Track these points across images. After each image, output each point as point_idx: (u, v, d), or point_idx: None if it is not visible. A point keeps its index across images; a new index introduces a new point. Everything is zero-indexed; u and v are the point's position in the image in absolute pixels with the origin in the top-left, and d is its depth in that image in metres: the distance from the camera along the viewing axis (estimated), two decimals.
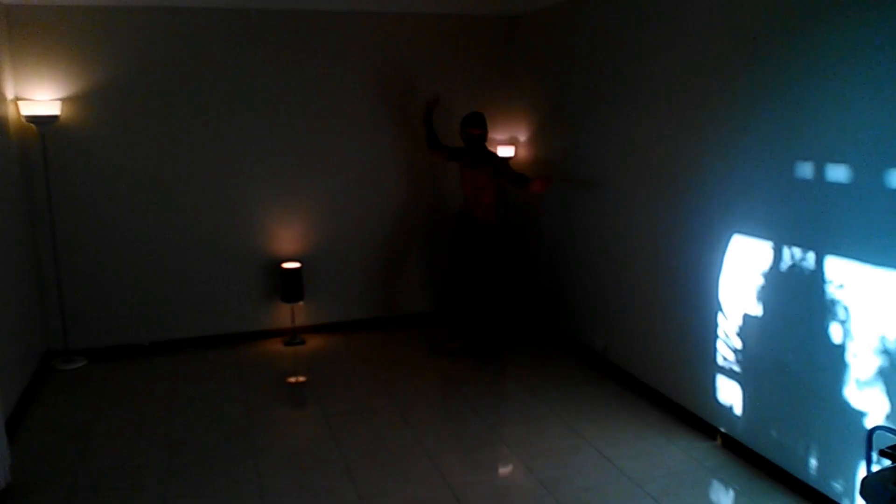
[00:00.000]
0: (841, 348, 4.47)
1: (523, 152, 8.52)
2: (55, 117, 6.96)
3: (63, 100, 7.12)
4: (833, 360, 4.52)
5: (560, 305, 7.95)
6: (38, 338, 7.16)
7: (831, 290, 4.50)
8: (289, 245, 8.08)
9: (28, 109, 6.82)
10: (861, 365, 4.34)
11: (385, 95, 8.20)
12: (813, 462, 4.74)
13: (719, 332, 5.53)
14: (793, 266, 4.77)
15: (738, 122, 5.17)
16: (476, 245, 7.60)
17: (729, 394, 5.48)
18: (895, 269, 4.10)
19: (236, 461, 5.48)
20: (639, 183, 6.39)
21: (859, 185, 4.27)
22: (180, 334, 7.87)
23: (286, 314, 8.16)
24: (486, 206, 7.50)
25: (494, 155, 7.55)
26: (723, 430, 5.57)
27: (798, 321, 4.78)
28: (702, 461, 5.38)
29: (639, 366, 6.59)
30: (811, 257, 4.62)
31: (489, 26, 8.44)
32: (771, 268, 4.97)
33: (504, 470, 5.47)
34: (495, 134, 8.66)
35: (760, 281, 5.07)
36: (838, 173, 4.38)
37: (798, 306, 4.78)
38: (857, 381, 4.37)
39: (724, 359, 5.49)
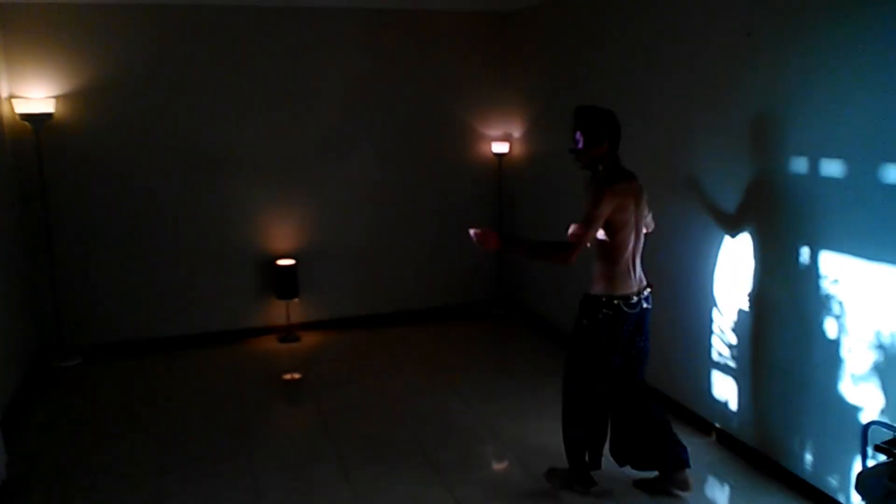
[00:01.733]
0: (836, 343, 4.47)
1: (517, 148, 8.52)
2: (49, 115, 6.94)
3: (57, 97, 7.10)
4: (828, 356, 4.53)
5: (555, 302, 7.95)
6: (33, 335, 7.15)
7: (826, 286, 4.50)
8: (283, 242, 8.07)
9: (22, 107, 6.79)
10: (856, 360, 4.34)
11: (378, 92, 8.19)
12: (808, 457, 4.74)
13: (714, 327, 5.53)
14: (787, 261, 4.77)
15: (732, 116, 5.17)
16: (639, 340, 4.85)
17: (724, 389, 5.48)
18: (890, 263, 4.10)
19: (231, 458, 5.47)
20: None
21: (854, 180, 4.27)
22: (175, 331, 7.85)
23: (281, 311, 8.15)
24: (641, 268, 4.84)
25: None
26: (718, 425, 5.57)
27: (793, 316, 4.79)
28: (697, 457, 5.35)
29: None
30: (806, 252, 4.62)
31: (482, 23, 8.43)
32: (766, 263, 4.97)
33: (499, 466, 5.47)
34: (490, 130, 8.68)
35: (755, 276, 5.07)
36: (833, 168, 4.39)
37: (793, 301, 4.78)
38: (853, 377, 4.37)
39: (719, 354, 5.50)
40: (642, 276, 4.77)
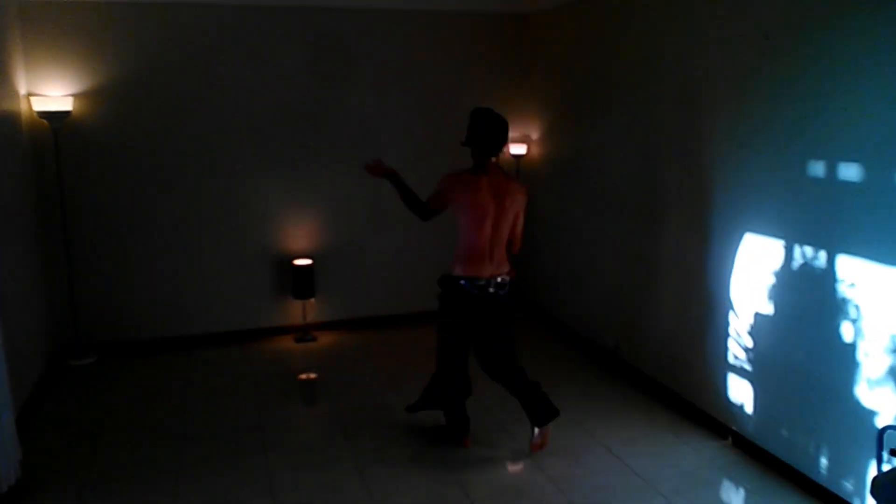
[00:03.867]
0: (852, 347, 4.45)
1: (535, 150, 8.51)
2: (67, 113, 6.98)
3: (75, 95, 7.15)
4: (844, 360, 4.51)
5: (571, 304, 7.94)
6: (49, 334, 7.19)
7: (843, 289, 4.48)
8: (300, 242, 8.09)
9: (40, 105, 6.84)
10: (872, 364, 4.32)
11: (396, 93, 8.19)
12: (823, 461, 4.73)
13: (731, 330, 5.51)
14: (804, 265, 4.76)
15: (750, 120, 5.15)
16: (496, 322, 5.46)
17: (740, 393, 5.46)
18: None
19: (247, 458, 5.50)
20: (650, 181, 6.38)
21: (871, 184, 4.25)
22: (191, 331, 7.90)
23: (297, 311, 8.17)
24: (503, 259, 5.39)
25: (518, 181, 5.60)
26: (734, 429, 5.55)
27: (809, 320, 4.77)
28: (713, 460, 5.37)
29: (650, 364, 6.57)
30: (823, 256, 4.60)
31: (501, 24, 8.43)
32: (783, 266, 4.95)
33: (514, 468, 5.46)
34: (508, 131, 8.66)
35: (772, 280, 5.05)
36: (850, 172, 4.37)
37: (809, 305, 4.76)
38: (869, 381, 4.35)
39: (736, 358, 5.48)
40: (499, 265, 5.31)
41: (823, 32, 4.53)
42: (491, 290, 5.30)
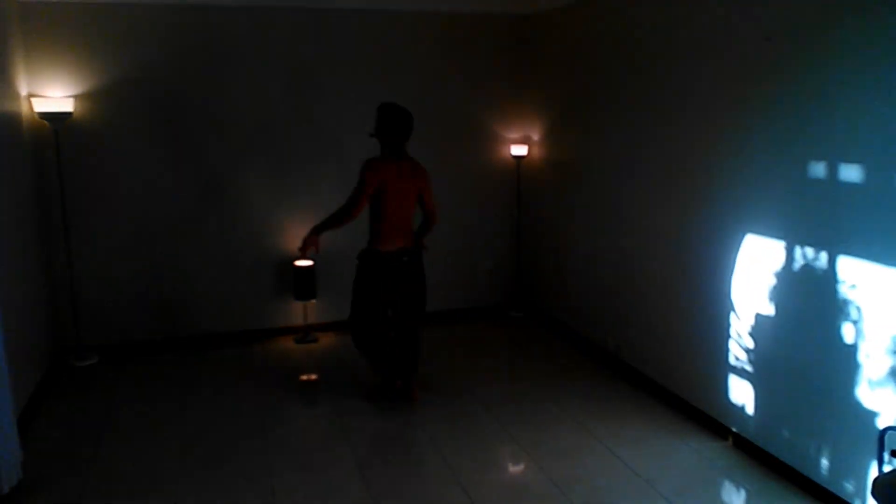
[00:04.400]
0: (853, 348, 4.44)
1: (536, 151, 8.51)
2: (68, 114, 6.99)
3: (76, 97, 7.15)
4: (845, 361, 4.50)
5: (573, 305, 7.94)
6: (50, 335, 7.19)
7: (844, 290, 4.48)
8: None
9: (41, 106, 6.84)
10: (873, 365, 4.32)
11: (397, 94, 8.17)
12: (824, 462, 4.72)
13: (732, 331, 5.51)
14: (805, 266, 4.75)
15: (751, 121, 5.15)
16: (410, 284, 6.40)
17: (741, 394, 5.46)
18: None
19: (248, 459, 5.50)
20: (652, 182, 6.38)
21: (872, 185, 4.25)
22: (192, 332, 7.91)
23: (299, 312, 8.17)
24: (409, 231, 6.36)
25: (418, 162, 6.37)
26: (734, 430, 5.55)
27: (810, 321, 4.76)
28: (713, 461, 5.36)
29: (651, 365, 6.57)
30: (824, 257, 4.60)
31: (503, 25, 8.43)
32: (783, 268, 4.95)
33: (516, 469, 5.46)
34: (509, 133, 8.66)
35: (773, 281, 5.05)
36: (851, 173, 4.36)
37: (810, 306, 4.76)
38: (870, 382, 4.35)
39: (737, 359, 5.48)
40: (407, 237, 6.28)
41: (824, 33, 4.52)
42: (405, 258, 6.27)
